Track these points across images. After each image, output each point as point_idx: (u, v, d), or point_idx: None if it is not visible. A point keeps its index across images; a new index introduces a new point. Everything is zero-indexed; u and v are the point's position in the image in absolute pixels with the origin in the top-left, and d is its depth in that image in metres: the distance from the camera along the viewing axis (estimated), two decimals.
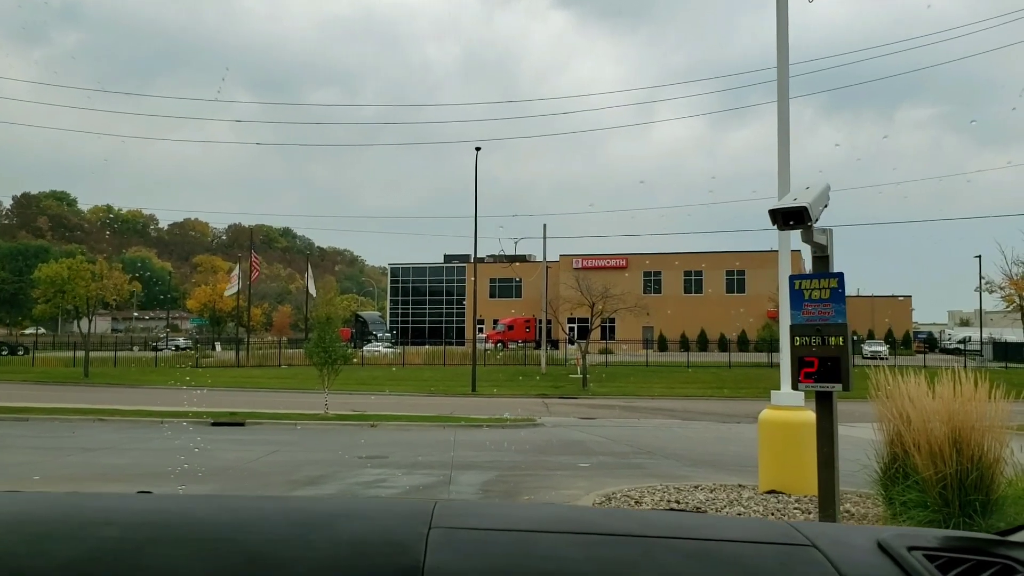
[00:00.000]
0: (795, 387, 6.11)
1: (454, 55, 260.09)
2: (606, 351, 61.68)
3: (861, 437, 9.46)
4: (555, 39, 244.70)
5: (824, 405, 5.92)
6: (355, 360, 42.85)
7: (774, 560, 1.51)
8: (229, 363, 59.87)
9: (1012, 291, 43.26)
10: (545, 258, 61.61)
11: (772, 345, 50.19)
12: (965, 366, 9.20)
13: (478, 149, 43.85)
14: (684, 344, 70.06)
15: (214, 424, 22.25)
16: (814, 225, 5.59)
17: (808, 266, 6.39)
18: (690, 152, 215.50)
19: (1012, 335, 58.33)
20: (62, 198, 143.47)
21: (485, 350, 59.78)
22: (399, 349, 66.69)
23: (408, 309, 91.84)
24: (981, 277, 51.99)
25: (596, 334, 57.55)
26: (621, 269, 75.99)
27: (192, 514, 1.69)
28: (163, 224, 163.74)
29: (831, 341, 5.76)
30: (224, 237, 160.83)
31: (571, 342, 61.35)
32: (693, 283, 77.82)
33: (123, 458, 16.52)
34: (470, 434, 21.35)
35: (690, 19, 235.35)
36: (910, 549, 1.55)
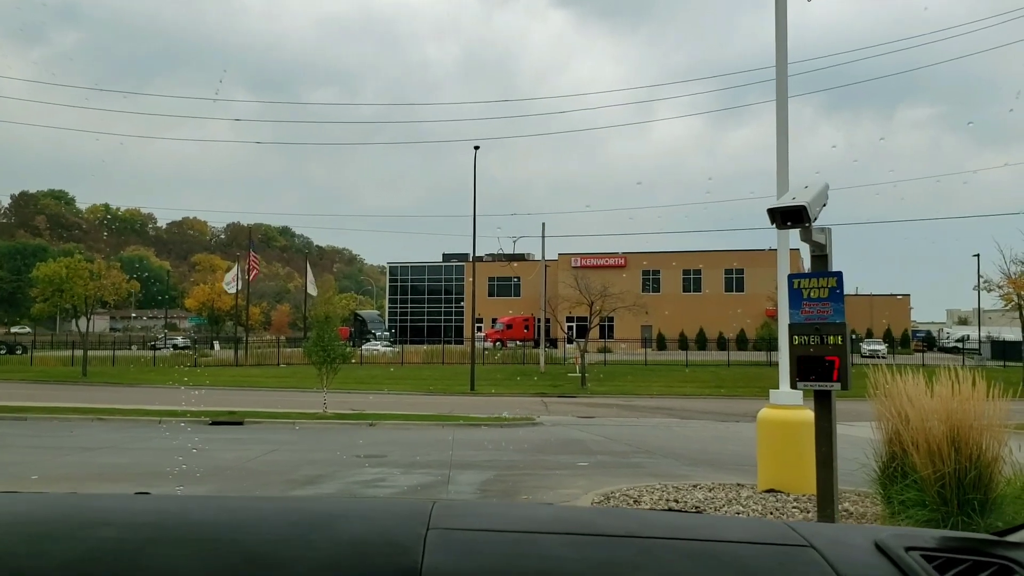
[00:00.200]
0: (794, 386, 6.11)
1: (453, 54, 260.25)
2: (605, 350, 61.67)
3: (859, 436, 9.47)
4: (554, 38, 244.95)
5: (823, 404, 5.93)
6: (354, 359, 42.84)
7: (772, 560, 1.52)
8: (228, 362, 59.87)
9: (1010, 290, 43.19)
10: (544, 257, 61.62)
11: (771, 344, 50.29)
12: (963, 365, 9.19)
13: (476, 148, 43.77)
14: (683, 343, 70.06)
15: (213, 423, 22.25)
16: (812, 224, 5.60)
17: (807, 265, 6.39)
18: (689, 151, 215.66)
19: (1010, 334, 58.37)
20: (60, 197, 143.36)
21: (484, 349, 59.77)
22: (398, 348, 66.67)
23: (407, 308, 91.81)
24: (979, 276, 52.03)
25: (595, 333, 57.52)
26: (620, 268, 75.98)
27: (190, 515, 1.69)
28: (161, 223, 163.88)
29: (830, 340, 5.77)
30: (223, 236, 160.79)
31: (570, 341, 61.37)
32: (692, 282, 77.83)
33: (122, 457, 16.51)
34: (469, 433, 21.35)
35: (689, 18, 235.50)
36: (908, 549, 1.55)
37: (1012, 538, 1.75)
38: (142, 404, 26.00)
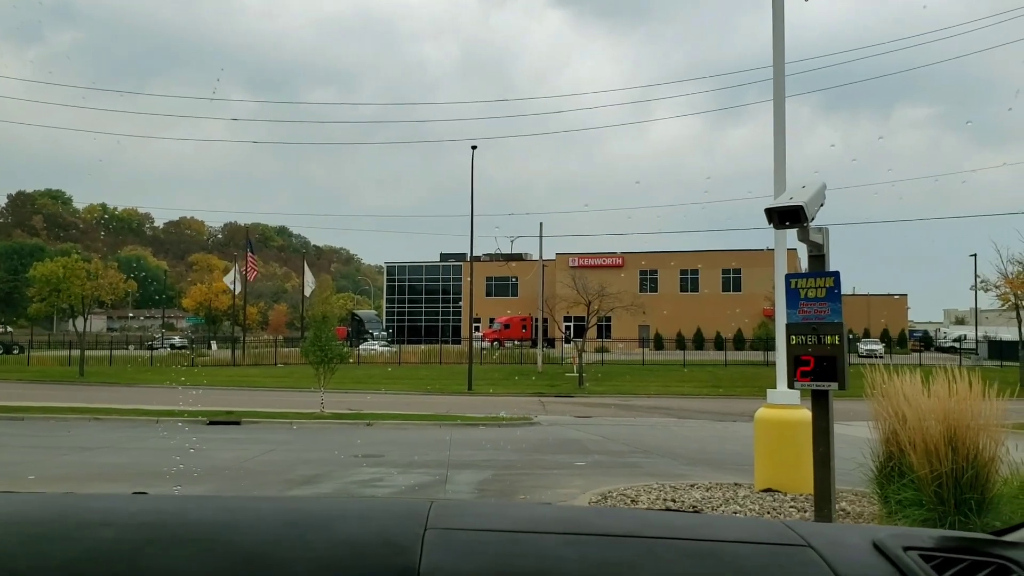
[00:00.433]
0: (791, 386, 6.12)
1: (451, 54, 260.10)
2: (602, 350, 61.68)
3: (857, 435, 9.48)
4: (553, 38, 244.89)
5: (820, 404, 5.93)
6: (351, 359, 42.84)
7: (770, 560, 1.52)
8: (225, 362, 59.85)
9: (1007, 290, 43.25)
10: (541, 257, 61.62)
11: (768, 344, 50.28)
12: (960, 364, 9.20)
13: (474, 148, 43.75)
14: (680, 343, 70.10)
15: (210, 423, 22.23)
16: (810, 224, 5.60)
17: (804, 265, 6.40)
18: (687, 151, 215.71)
19: (1007, 333, 58.40)
20: (57, 196, 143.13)
21: (481, 349, 59.78)
22: (395, 348, 66.66)
23: (404, 308, 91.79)
24: (977, 276, 52.10)
25: (592, 333, 57.58)
26: (617, 268, 76.02)
27: (188, 515, 1.69)
28: (159, 223, 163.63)
29: (827, 340, 5.77)
30: (220, 236, 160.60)
31: (567, 341, 61.37)
32: (689, 282, 77.89)
33: (119, 457, 16.50)
34: (466, 433, 21.35)
35: (688, 18, 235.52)
36: (906, 549, 1.55)
37: (1009, 538, 1.76)
38: (139, 404, 25.97)
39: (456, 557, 1.47)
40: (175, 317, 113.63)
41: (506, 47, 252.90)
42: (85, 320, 52.77)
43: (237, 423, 22.56)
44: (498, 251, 75.07)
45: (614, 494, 11.10)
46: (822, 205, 5.75)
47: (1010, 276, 42.24)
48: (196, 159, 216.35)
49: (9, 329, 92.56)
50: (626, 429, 23.74)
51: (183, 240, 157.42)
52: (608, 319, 62.57)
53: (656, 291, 76.54)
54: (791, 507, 9.82)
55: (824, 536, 1.61)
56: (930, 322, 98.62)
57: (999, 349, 60.17)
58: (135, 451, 17.49)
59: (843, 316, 5.82)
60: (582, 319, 54.36)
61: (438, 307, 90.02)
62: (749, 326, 69.46)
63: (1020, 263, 41.59)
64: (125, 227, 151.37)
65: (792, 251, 14.59)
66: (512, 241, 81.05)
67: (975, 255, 56.25)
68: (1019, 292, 42.62)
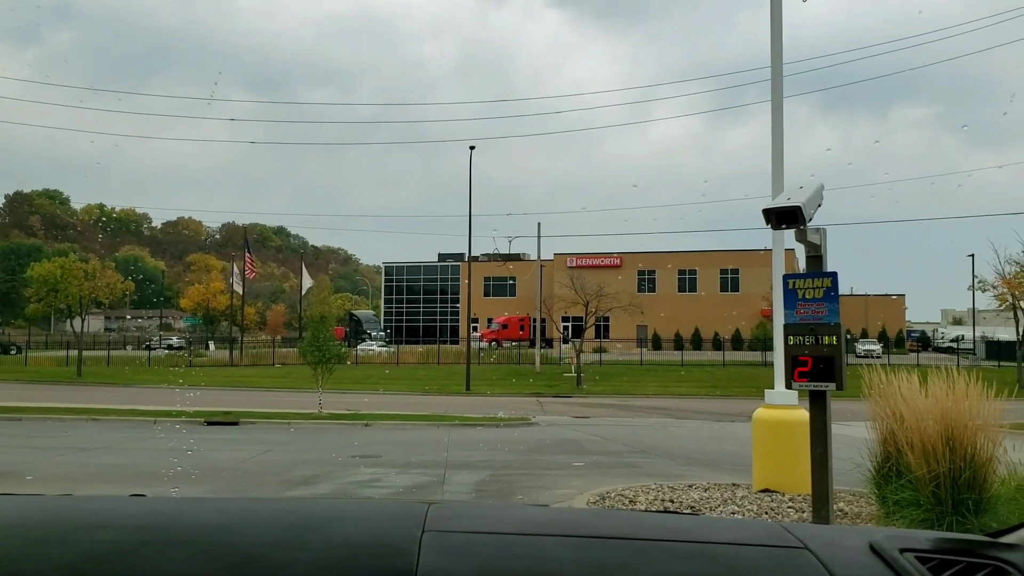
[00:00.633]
0: (789, 386, 6.13)
1: (449, 54, 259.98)
2: (600, 350, 61.71)
3: (854, 436, 9.49)
4: (551, 38, 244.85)
5: (818, 404, 5.93)
6: (349, 359, 42.81)
7: (767, 562, 1.52)
8: (223, 362, 59.81)
9: (1005, 290, 43.24)
10: (539, 257, 61.62)
11: (766, 344, 50.32)
12: (958, 365, 9.22)
13: (472, 148, 43.78)
14: (678, 343, 70.15)
15: (208, 424, 22.22)
16: (807, 225, 5.60)
17: (802, 265, 6.40)
18: (686, 151, 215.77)
19: (1005, 334, 58.44)
20: (55, 197, 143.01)
21: (479, 349, 59.76)
22: (393, 348, 66.63)
23: (402, 308, 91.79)
24: (974, 276, 52.07)
25: (590, 333, 57.57)
26: (615, 268, 76.04)
27: (185, 517, 1.69)
28: (156, 223, 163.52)
29: (825, 340, 5.78)
30: (218, 236, 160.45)
31: (565, 341, 61.37)
32: (687, 282, 77.94)
33: (117, 458, 16.48)
34: (464, 433, 21.35)
35: (686, 18, 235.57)
36: (902, 551, 1.55)
37: (1006, 539, 1.76)
38: (137, 404, 25.96)
39: (453, 559, 1.47)
40: (173, 317, 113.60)
41: (504, 47, 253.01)
42: (83, 320, 52.71)
43: (235, 424, 22.55)
44: (496, 251, 75.16)
45: (612, 495, 11.10)
46: (820, 206, 5.75)
47: (1007, 276, 42.24)
48: (194, 159, 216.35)
49: (7, 330, 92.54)
50: (624, 429, 23.75)
51: (181, 240, 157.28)
52: (606, 319, 62.57)
53: (654, 291, 76.60)
54: (789, 507, 9.82)
55: (821, 538, 1.61)
56: (928, 322, 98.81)
57: (996, 349, 60.22)
58: (133, 452, 17.47)
59: (841, 316, 5.82)
60: (580, 319, 54.33)
61: (436, 307, 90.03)
62: (747, 326, 69.51)
63: (1017, 263, 41.58)
64: (123, 227, 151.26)
65: (790, 251, 14.61)
66: (510, 241, 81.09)
67: (972, 255, 56.33)
68: (1016, 292, 42.62)
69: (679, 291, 77.62)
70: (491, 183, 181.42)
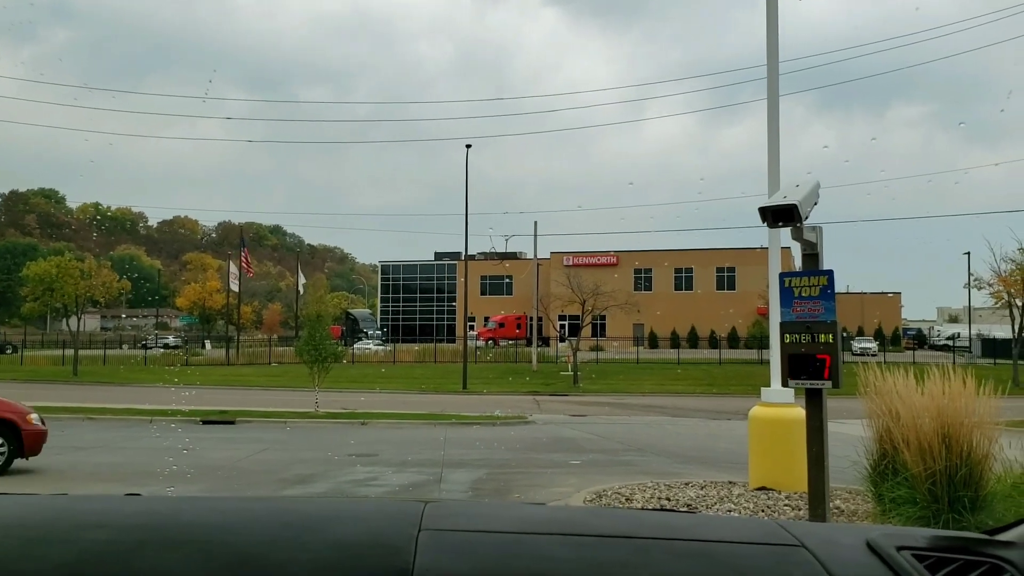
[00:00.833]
0: (785, 384, 6.13)
1: (446, 52, 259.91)
2: (597, 348, 61.74)
3: (850, 433, 9.50)
4: (548, 37, 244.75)
5: (814, 402, 5.94)
6: (345, 358, 42.77)
7: (764, 560, 1.52)
8: (219, 361, 59.75)
9: (1000, 288, 43.31)
10: (536, 256, 61.63)
11: (762, 342, 50.34)
12: (954, 363, 9.23)
13: (469, 147, 43.80)
14: (674, 341, 70.19)
15: (204, 423, 22.20)
16: (803, 223, 5.61)
17: (798, 263, 6.41)
18: (682, 150, 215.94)
19: (1000, 331, 58.56)
20: (50, 196, 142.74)
21: (476, 348, 59.77)
22: (390, 347, 66.62)
23: (399, 307, 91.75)
24: (970, 274, 52.13)
25: (587, 331, 57.60)
26: (612, 266, 76.09)
27: (182, 516, 1.69)
28: (152, 222, 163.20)
29: (821, 338, 5.78)
30: (214, 235, 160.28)
31: (562, 340, 61.42)
32: (683, 280, 78.01)
33: (113, 457, 16.46)
34: (461, 432, 21.35)
35: (682, 17, 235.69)
36: (899, 549, 1.55)
37: (1002, 537, 1.76)
38: (133, 403, 25.91)
39: (450, 558, 1.47)
40: (169, 316, 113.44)
41: (501, 46, 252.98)
42: (79, 320, 52.65)
43: (231, 422, 22.53)
44: (493, 250, 75.23)
45: (609, 493, 11.11)
46: (816, 204, 5.75)
47: (1003, 274, 42.32)
48: (190, 158, 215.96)
49: (2, 329, 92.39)
50: (621, 427, 23.76)
51: (177, 239, 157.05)
52: (603, 318, 62.66)
53: (650, 290, 76.65)
54: (785, 505, 9.83)
55: (818, 536, 1.61)
56: (924, 320, 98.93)
57: (992, 347, 60.39)
58: (129, 451, 17.45)
59: (837, 314, 5.83)
60: (577, 318, 54.38)
61: (433, 306, 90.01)
62: (743, 325, 69.51)
63: (1013, 261, 41.67)
64: (118, 226, 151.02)
65: (786, 250, 14.63)
66: (507, 240, 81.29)
67: (968, 253, 56.38)
68: (1012, 290, 42.70)
69: (675, 289, 77.68)
70: (488, 182, 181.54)
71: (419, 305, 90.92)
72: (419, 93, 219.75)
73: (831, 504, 7.64)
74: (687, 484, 11.59)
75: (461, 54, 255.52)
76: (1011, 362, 41.52)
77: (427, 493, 12.36)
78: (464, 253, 46.86)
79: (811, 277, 5.86)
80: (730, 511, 9.67)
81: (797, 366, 5.86)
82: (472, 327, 66.20)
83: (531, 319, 62.57)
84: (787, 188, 5.85)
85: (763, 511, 9.65)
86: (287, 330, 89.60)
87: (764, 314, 46.46)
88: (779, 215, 5.56)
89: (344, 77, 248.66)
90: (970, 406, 7.81)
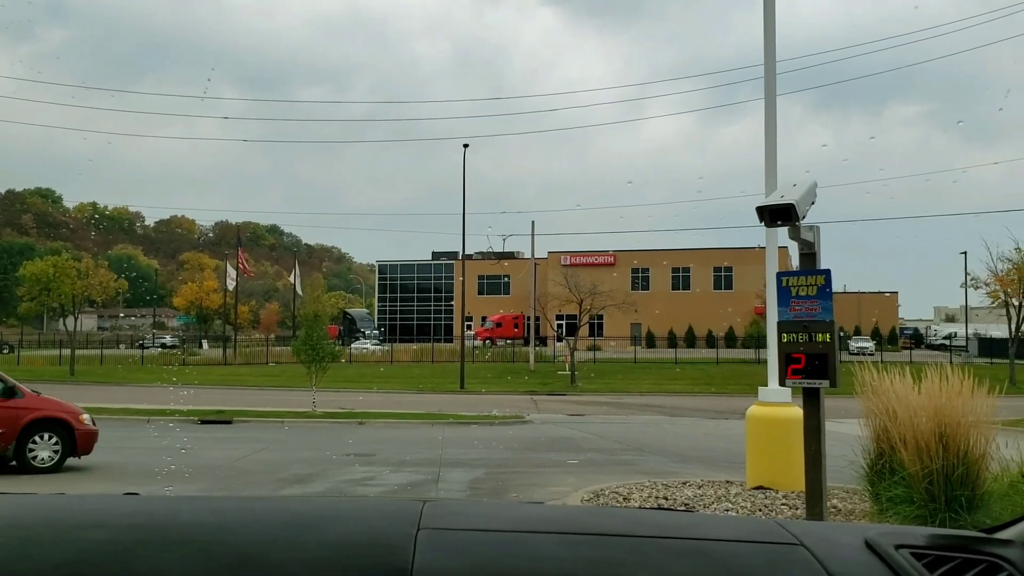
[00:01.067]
0: (783, 383, 6.14)
1: (444, 52, 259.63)
2: (594, 348, 61.72)
3: (848, 433, 9.51)
4: (545, 36, 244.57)
5: (811, 402, 5.95)
6: (343, 358, 42.78)
7: (762, 559, 1.52)
8: (216, 361, 59.68)
9: (997, 287, 43.38)
10: (533, 255, 61.62)
11: (759, 341, 50.32)
12: (951, 362, 9.24)
13: (466, 146, 43.83)
14: (672, 341, 70.17)
15: (202, 422, 22.19)
16: (801, 222, 5.61)
17: (795, 263, 6.41)
18: (680, 149, 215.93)
19: (997, 331, 58.64)
20: (47, 195, 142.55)
21: (473, 347, 59.75)
22: (387, 346, 66.58)
23: (396, 306, 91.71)
24: (967, 273, 52.24)
25: (584, 331, 57.55)
26: (609, 266, 76.07)
27: (180, 516, 1.69)
28: (149, 221, 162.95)
29: (818, 338, 5.79)
30: (211, 235, 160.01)
31: (559, 339, 61.40)
32: (681, 280, 77.99)
33: (110, 457, 16.41)
34: (458, 431, 21.36)
35: (680, 16, 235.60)
36: (897, 547, 1.55)
37: (1000, 535, 1.76)
38: (130, 403, 25.89)
39: (448, 557, 1.47)
40: (166, 316, 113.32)
41: (499, 45, 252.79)
42: (76, 319, 52.56)
43: (228, 422, 22.52)
44: (490, 249, 75.11)
45: (607, 492, 11.12)
46: (813, 203, 5.76)
47: (1000, 274, 42.38)
48: (187, 157, 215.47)
49: None
50: (618, 427, 23.78)
51: (174, 239, 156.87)
52: (600, 317, 62.59)
53: (648, 289, 76.63)
54: (783, 504, 9.84)
55: (816, 534, 1.61)
56: (920, 320, 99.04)
57: (989, 346, 60.43)
58: (126, 450, 17.42)
59: (834, 314, 5.83)
60: (574, 317, 54.35)
61: (430, 306, 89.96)
62: (740, 324, 69.53)
63: (1010, 261, 41.74)
64: (116, 226, 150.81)
65: (783, 249, 14.65)
66: (504, 239, 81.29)
67: (965, 253, 56.48)
68: (1009, 290, 42.76)
69: (673, 289, 77.66)
70: (485, 181, 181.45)
71: (416, 305, 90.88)
72: (416, 92, 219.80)
73: (828, 503, 7.65)
74: (685, 483, 11.60)
75: (458, 53, 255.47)
76: (1008, 361, 41.57)
77: (425, 492, 12.36)
78: (462, 253, 46.84)
79: (808, 276, 5.87)
80: (728, 510, 9.68)
81: (795, 365, 5.87)
82: (469, 327, 66.13)
83: (528, 319, 62.54)
84: (784, 187, 5.86)
85: (761, 510, 9.66)
86: (284, 330, 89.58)
87: (761, 313, 46.47)
88: (777, 214, 5.57)
89: (341, 76, 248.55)
90: (967, 405, 7.82)
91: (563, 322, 65.73)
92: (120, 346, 77.24)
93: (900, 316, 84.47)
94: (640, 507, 9.49)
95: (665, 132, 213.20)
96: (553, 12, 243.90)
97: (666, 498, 10.56)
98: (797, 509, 9.38)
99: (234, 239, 77.39)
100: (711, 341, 66.79)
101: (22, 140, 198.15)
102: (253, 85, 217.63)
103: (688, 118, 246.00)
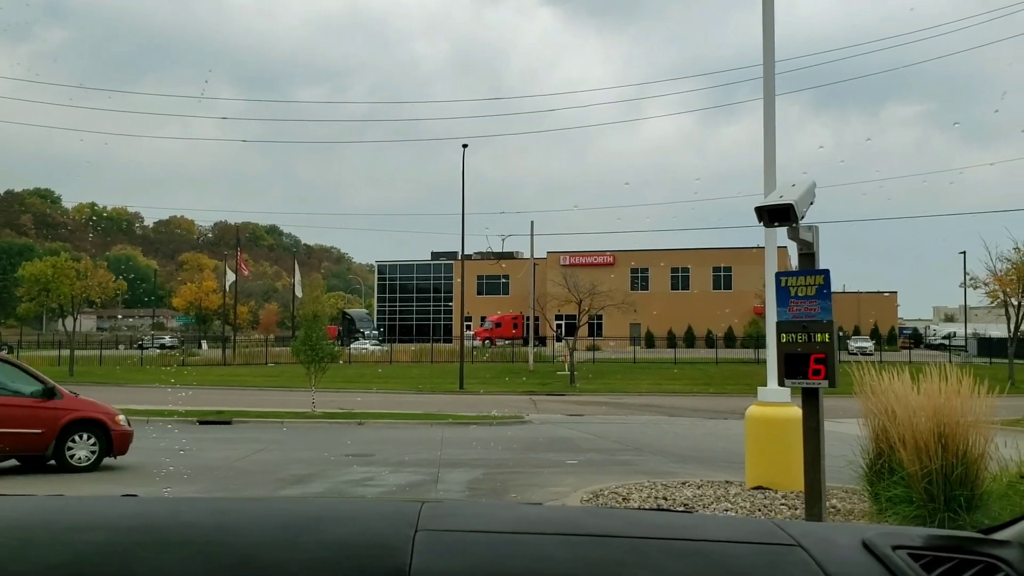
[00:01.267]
0: (782, 383, 6.14)
1: (443, 52, 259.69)
2: (593, 348, 61.75)
3: (847, 433, 9.51)
4: (544, 36, 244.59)
5: (810, 402, 5.95)
6: (342, 358, 42.77)
7: (760, 560, 1.52)
8: (215, 361, 59.69)
9: (996, 287, 43.42)
10: (532, 255, 61.64)
11: (759, 341, 50.35)
12: (950, 361, 9.24)
13: (465, 146, 43.85)
14: (671, 341, 70.20)
15: (201, 423, 22.18)
16: (800, 223, 5.61)
17: (794, 263, 6.42)
18: (679, 149, 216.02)
19: (996, 330, 58.65)
20: (46, 196, 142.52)
21: (473, 347, 59.74)
22: (386, 347, 66.58)
23: (395, 306, 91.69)
24: (966, 273, 52.33)
25: (583, 331, 57.57)
26: (608, 266, 76.08)
27: (179, 517, 1.69)
28: (148, 222, 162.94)
29: (817, 338, 5.79)
30: (210, 235, 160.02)
31: (558, 339, 61.40)
32: (680, 280, 78.01)
33: (109, 457, 16.39)
34: (458, 431, 21.35)
35: (679, 16, 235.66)
36: (895, 548, 1.56)
37: (998, 536, 1.76)
38: (129, 404, 25.79)
39: (447, 558, 1.47)
40: (165, 317, 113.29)
41: (498, 45, 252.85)
42: (75, 320, 52.54)
43: (227, 423, 22.51)
44: (489, 250, 75.10)
45: (606, 492, 11.11)
46: (812, 204, 5.76)
47: (999, 273, 42.42)
48: (186, 158, 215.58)
49: None
50: (617, 427, 23.77)
51: (173, 239, 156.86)
52: (599, 317, 62.62)
53: (647, 289, 76.65)
54: (782, 504, 9.84)
55: (814, 535, 1.61)
56: (920, 319, 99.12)
57: (988, 346, 60.44)
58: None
59: (833, 314, 5.84)
60: (573, 317, 54.33)
61: (429, 306, 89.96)
62: (739, 324, 69.56)
63: (1009, 260, 41.77)
64: (115, 226, 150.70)
65: (782, 249, 14.64)
66: (503, 239, 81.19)
67: (964, 253, 56.53)
68: (1008, 289, 42.79)
69: (672, 289, 77.69)
70: (484, 181, 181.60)
71: (416, 305, 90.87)
72: (416, 93, 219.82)
73: (827, 503, 7.65)
74: (684, 484, 11.60)
75: (458, 53, 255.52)
76: (1007, 361, 41.59)
77: (424, 493, 12.36)
78: (461, 253, 46.83)
79: (807, 276, 5.87)
80: (727, 511, 9.68)
81: (793, 365, 5.87)
82: (469, 327, 66.14)
83: (528, 319, 62.55)
84: (783, 188, 5.86)
85: (760, 510, 9.66)
86: (284, 330, 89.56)
87: (760, 313, 46.48)
88: (775, 215, 5.57)
89: (341, 76, 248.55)
90: (966, 405, 7.82)
91: (562, 322, 65.74)
92: (119, 347, 77.24)
93: (899, 316, 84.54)
94: (639, 507, 9.50)
95: (664, 132, 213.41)
96: (552, 12, 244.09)
97: (665, 498, 10.56)
98: (796, 509, 9.38)
99: (233, 239, 77.38)
100: (710, 341, 66.82)
101: (21, 140, 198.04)
102: (252, 85, 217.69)
103: (687, 118, 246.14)
